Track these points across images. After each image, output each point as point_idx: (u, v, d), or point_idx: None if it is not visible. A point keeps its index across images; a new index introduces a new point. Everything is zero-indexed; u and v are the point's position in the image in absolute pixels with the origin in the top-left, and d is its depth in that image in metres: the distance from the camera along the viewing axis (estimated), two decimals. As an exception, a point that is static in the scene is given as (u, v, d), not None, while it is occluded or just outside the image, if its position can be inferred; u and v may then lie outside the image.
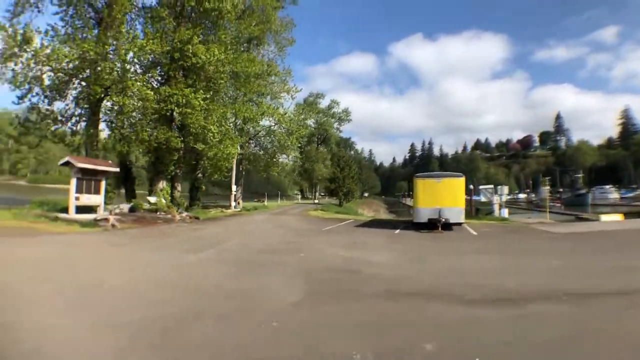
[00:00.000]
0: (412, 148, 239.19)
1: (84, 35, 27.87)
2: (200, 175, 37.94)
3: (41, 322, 5.88)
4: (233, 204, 42.55)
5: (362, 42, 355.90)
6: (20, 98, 27.14)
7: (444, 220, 22.40)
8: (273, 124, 46.81)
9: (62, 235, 15.89)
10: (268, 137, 48.82)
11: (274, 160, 49.83)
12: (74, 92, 28.38)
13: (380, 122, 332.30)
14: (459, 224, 23.66)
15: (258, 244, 16.98)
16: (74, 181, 21.45)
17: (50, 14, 34.04)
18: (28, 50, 25.07)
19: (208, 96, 29.78)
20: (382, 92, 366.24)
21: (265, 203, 57.28)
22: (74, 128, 30.00)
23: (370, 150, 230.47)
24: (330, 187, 65.09)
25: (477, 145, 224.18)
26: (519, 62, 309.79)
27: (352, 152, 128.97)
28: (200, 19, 32.40)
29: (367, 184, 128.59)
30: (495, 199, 37.49)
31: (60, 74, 26.21)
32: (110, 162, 24.64)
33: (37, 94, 27.24)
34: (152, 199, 28.57)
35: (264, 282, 9.52)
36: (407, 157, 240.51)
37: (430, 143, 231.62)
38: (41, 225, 17.92)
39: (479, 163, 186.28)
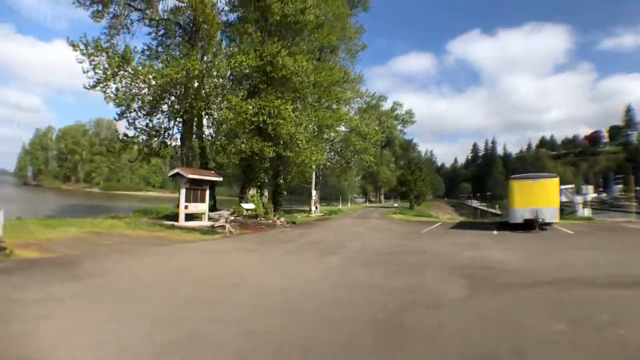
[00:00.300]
0: (475, 148, 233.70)
1: (176, 53, 29.76)
2: (281, 181, 39.09)
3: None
4: (313, 208, 43.49)
5: (418, 41, 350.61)
6: (121, 115, 29.06)
7: (541, 220, 22.86)
8: (348, 130, 47.57)
9: (196, 243, 16.97)
10: (342, 143, 49.61)
11: (350, 165, 50.73)
12: (165, 106, 30.10)
13: (439, 122, 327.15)
14: (551, 223, 24.19)
15: (376, 246, 17.86)
16: (183, 191, 22.68)
17: (140, 35, 35.99)
18: (128, 69, 26.79)
19: (295, 106, 30.86)
20: (441, 91, 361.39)
21: (340, 207, 58.08)
22: (167, 141, 31.67)
23: (431, 151, 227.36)
24: (401, 190, 65.27)
25: (542, 143, 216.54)
26: (583, 53, 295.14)
27: (415, 154, 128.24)
28: (283, 31, 33.52)
29: (432, 186, 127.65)
30: (579, 198, 37.07)
31: (156, 91, 27.79)
32: (212, 172, 25.90)
33: (134, 110, 29.10)
34: (246, 206, 29.86)
35: (417, 280, 10.44)
36: (469, 158, 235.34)
37: (493, 142, 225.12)
38: (165, 234, 19.10)
39: (545, 162, 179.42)
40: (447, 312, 7.41)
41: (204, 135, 31.48)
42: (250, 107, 27.24)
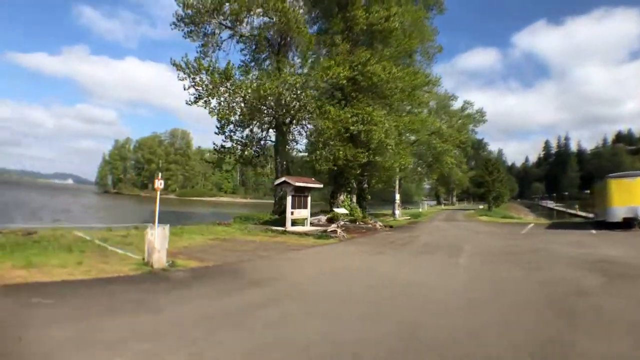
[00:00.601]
0: (546, 145, 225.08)
1: (268, 67, 31.27)
2: (365, 185, 39.81)
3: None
4: (396, 212, 43.95)
5: (481, 36, 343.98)
6: (220, 128, 30.85)
7: None
8: (429, 133, 47.70)
9: (322, 247, 17.85)
10: (424, 146, 49.75)
11: (432, 167, 50.92)
12: (258, 118, 31.53)
13: (508, 119, 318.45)
14: None
15: (489, 246, 18.83)
16: (289, 198, 23.76)
17: (232, 51, 37.71)
18: (227, 85, 28.32)
19: (385, 112, 31.53)
20: (508, 86, 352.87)
21: (421, 210, 58.19)
22: (261, 151, 33.17)
23: (500, 150, 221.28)
24: (478, 192, 64.63)
25: (619, 137, 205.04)
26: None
27: (485, 154, 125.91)
28: (368, 40, 34.27)
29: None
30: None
31: (254, 104, 29.15)
32: (313, 179, 26.95)
33: (231, 122, 30.76)
34: (339, 210, 30.79)
35: (552, 273, 11.63)
36: (540, 156, 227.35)
37: (566, 139, 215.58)
38: (282, 239, 20.10)
39: (623, 157, 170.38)
40: (598, 296, 8.75)
41: (296, 145, 32.83)
42: (349, 116, 28.22)
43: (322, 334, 6.26)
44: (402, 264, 13.77)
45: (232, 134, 31.60)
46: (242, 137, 31.97)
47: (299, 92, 27.86)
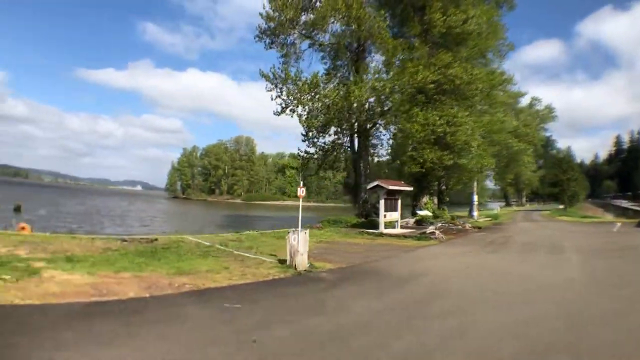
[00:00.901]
0: (618, 140, 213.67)
1: (348, 74, 32.15)
2: (443, 187, 39.88)
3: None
4: (474, 213, 43.76)
5: (544, 27, 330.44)
6: (306, 134, 31.93)
7: None
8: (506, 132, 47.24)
9: (427, 248, 18.39)
10: (500, 146, 49.25)
11: (509, 167, 50.44)
12: (339, 124, 32.38)
13: (574, 113, 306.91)
14: None
15: (589, 244, 19.57)
16: (382, 201, 24.34)
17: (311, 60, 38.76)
18: (312, 93, 29.31)
19: (467, 113, 31.66)
20: (574, 79, 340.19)
21: (496, 211, 57.52)
22: (341, 156, 34.03)
23: (569, 148, 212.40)
24: (552, 191, 63.15)
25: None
26: None
27: (554, 152, 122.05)
28: (445, 42, 34.42)
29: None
30: None
31: (339, 110, 29.96)
32: (402, 182, 27.49)
33: (315, 129, 31.76)
34: (422, 212, 31.18)
35: None
36: (611, 152, 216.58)
37: (639, 133, 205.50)
38: (385, 241, 20.72)
39: None
40: None
41: (379, 149, 33.53)
42: (437, 118, 28.60)
43: (499, 319, 7.23)
44: (517, 261, 14.36)
45: (314, 140, 32.65)
46: (324, 143, 32.97)
47: (382, 97, 28.49)
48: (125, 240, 15.31)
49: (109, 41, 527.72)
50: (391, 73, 29.76)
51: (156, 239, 16.41)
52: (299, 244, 11.53)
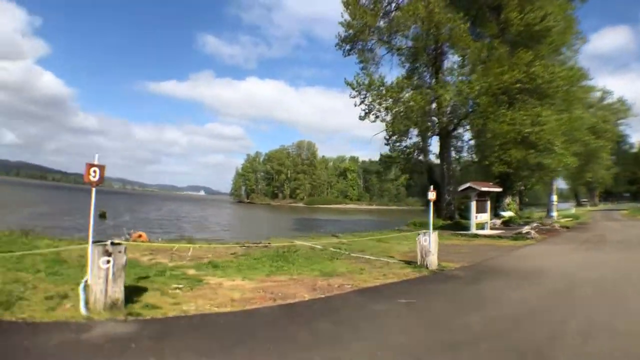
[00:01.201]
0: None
1: (426, 77, 32.57)
2: (522, 187, 39.43)
3: None
4: (553, 213, 42.99)
5: (609, 13, 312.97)
6: (388, 139, 32.58)
7: None
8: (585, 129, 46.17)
9: (530, 247, 19.04)
10: (578, 143, 48.16)
11: (586, 166, 49.26)
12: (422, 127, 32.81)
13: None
14: None
15: None
16: (473, 203, 24.67)
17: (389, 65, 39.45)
18: (398, 98, 29.91)
19: (549, 112, 31.34)
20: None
21: (574, 211, 56.18)
22: (420, 158, 34.43)
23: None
24: (631, 189, 61.19)
25: None
26: None
27: (627, 147, 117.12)
28: (523, 40, 34.13)
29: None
30: None
31: (423, 114, 30.43)
32: (491, 183, 27.64)
33: (397, 133, 32.36)
34: (505, 213, 31.13)
35: None
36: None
37: None
38: (486, 242, 21.26)
39: None
40: None
41: (460, 151, 33.73)
42: (524, 118, 28.55)
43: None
44: (626, 257, 14.89)
45: (396, 144, 33.24)
46: (405, 147, 33.49)
47: (469, 98, 28.73)
48: (244, 246, 16.06)
49: (171, 54, 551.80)
50: (475, 75, 29.89)
51: (269, 244, 17.03)
52: (430, 244, 12.18)
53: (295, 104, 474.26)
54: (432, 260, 12.18)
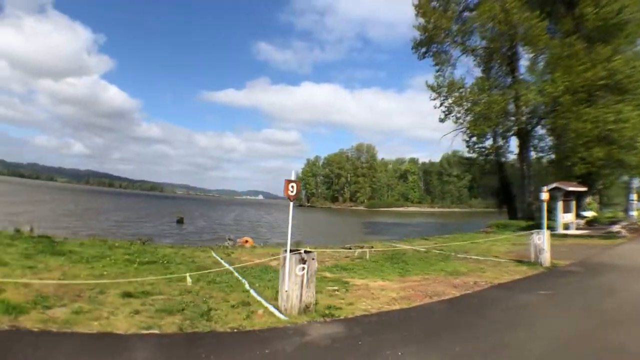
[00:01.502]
0: None
1: (501, 77, 32.43)
2: (600, 186, 38.41)
3: None
4: (632, 212, 41.51)
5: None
6: (468, 140, 32.73)
7: None
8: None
9: (625, 245, 19.33)
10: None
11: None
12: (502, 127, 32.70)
13: None
14: None
15: None
16: (560, 203, 24.59)
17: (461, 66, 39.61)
18: (478, 100, 30.03)
19: (630, 108, 30.54)
20: None
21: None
22: (497, 158, 34.30)
23: None
24: None
25: None
26: None
27: None
28: (599, 35, 33.36)
29: None
30: None
31: (498, 113, 30.34)
32: (575, 183, 27.34)
33: (479, 134, 32.44)
34: (586, 213, 30.56)
35: None
36: None
37: None
38: (574, 241, 21.19)
39: None
40: None
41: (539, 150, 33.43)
42: (608, 115, 28.02)
43: None
44: None
45: (475, 145, 33.32)
46: (484, 147, 33.50)
47: (550, 98, 28.48)
48: (351, 249, 16.44)
49: (227, 64, 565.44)
50: (557, 73, 29.51)
51: (372, 247, 17.07)
52: (544, 243, 12.75)
53: (351, 107, 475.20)
54: (546, 258, 12.72)
